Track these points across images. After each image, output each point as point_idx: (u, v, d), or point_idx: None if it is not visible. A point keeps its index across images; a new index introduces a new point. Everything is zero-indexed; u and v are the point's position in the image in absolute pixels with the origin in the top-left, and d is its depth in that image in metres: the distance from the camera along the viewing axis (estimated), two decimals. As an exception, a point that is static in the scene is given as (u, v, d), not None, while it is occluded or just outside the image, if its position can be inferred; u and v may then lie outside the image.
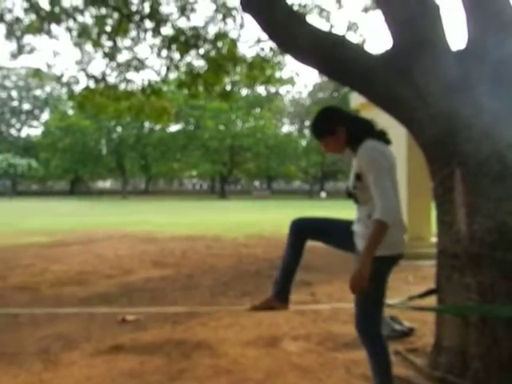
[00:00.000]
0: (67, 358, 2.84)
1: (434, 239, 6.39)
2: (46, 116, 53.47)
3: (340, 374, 2.61)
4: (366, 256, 1.96)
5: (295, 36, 2.78)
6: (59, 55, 7.20)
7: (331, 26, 6.40)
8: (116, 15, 6.27)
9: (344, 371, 2.64)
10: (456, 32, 3.92)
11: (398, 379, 2.50)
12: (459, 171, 2.41)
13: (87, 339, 3.17)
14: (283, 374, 2.61)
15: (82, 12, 6.22)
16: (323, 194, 45.32)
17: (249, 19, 6.91)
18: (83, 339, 3.17)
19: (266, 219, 14.55)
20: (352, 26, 6.53)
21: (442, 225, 2.57)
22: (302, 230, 2.35)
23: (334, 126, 2.14)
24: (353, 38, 6.52)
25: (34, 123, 55.13)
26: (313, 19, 6.30)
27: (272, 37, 3.06)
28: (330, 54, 2.71)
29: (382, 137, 2.17)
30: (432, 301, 2.72)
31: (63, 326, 3.43)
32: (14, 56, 6.66)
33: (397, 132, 6.33)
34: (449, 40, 2.61)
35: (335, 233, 2.34)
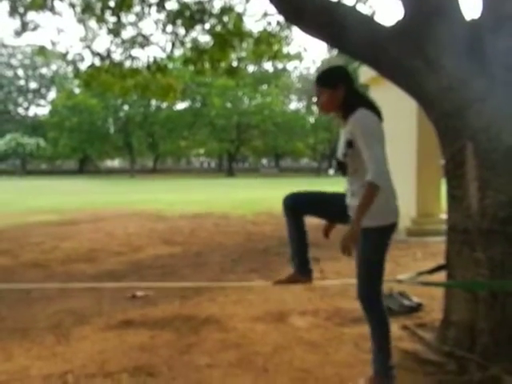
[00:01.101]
0: (79, 332, 2.90)
1: (443, 216, 6.35)
2: (52, 95, 53.39)
3: (348, 348, 2.63)
4: (357, 217, 2.00)
5: (304, 7, 2.70)
6: (63, 32, 7.11)
7: (340, -1, 6.23)
8: (120, -11, 6.15)
9: (352, 346, 2.66)
10: (471, 2, 3.79)
11: (406, 353, 2.52)
12: (471, 145, 2.36)
13: (98, 314, 3.22)
14: (291, 348, 2.64)
15: (85, -13, 6.10)
16: (331, 171, 45.11)
17: (255, -8, 6.73)
18: (94, 314, 3.22)
19: (273, 196, 14.53)
20: (361, -2, 6.34)
21: (452, 200, 2.53)
22: (295, 204, 2.37)
23: (337, 82, 2.17)
24: (362, 9, 6.34)
25: (42, 102, 55.11)
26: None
27: (279, 9, 2.97)
28: (340, 26, 2.62)
29: (376, 109, 2.18)
30: (441, 276, 2.72)
31: (74, 302, 3.49)
32: (18, 33, 6.58)
33: (407, 106, 6.25)
34: (463, 9, 2.52)
35: (329, 206, 2.37)
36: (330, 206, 2.37)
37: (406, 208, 6.75)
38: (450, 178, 2.55)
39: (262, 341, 2.74)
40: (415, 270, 4.16)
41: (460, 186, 2.43)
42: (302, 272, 2.44)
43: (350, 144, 2.11)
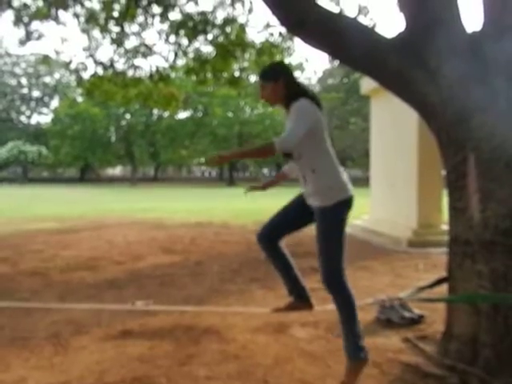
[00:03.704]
0: (77, 342, 2.87)
1: (444, 227, 6.33)
2: (55, 103, 53.61)
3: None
4: (238, 153, 2.34)
5: (306, 19, 2.71)
6: (67, 41, 7.18)
7: (341, 10, 6.27)
8: (123, 0, 6.21)
9: (353, 358, 2.63)
10: (472, 12, 3.82)
11: (407, 366, 2.49)
12: (473, 156, 2.35)
13: (97, 324, 3.20)
14: (292, 359, 2.61)
15: (89, -3, 6.17)
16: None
17: (258, 4, 6.80)
18: (93, 324, 3.20)
19: (274, 206, 14.47)
20: (363, 10, 6.39)
21: (454, 211, 2.52)
22: (268, 239, 2.52)
23: (279, 76, 2.36)
24: (363, 21, 6.39)
25: (44, 110, 55.34)
26: (322, 2, 6.18)
27: (282, 20, 2.99)
28: (342, 37, 2.64)
29: (316, 99, 2.33)
30: (443, 288, 2.70)
31: (73, 312, 3.46)
32: (23, 43, 6.64)
33: (408, 116, 6.26)
34: (464, 21, 2.54)
35: (295, 217, 2.50)
36: (296, 217, 2.49)
37: (407, 218, 6.74)
38: (451, 190, 2.54)
39: (262, 352, 2.71)
40: (417, 281, 4.15)
41: (462, 198, 2.42)
42: (301, 299, 2.55)
43: None
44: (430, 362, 2.51)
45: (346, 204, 2.29)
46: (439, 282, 2.76)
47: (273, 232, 2.53)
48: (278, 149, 2.11)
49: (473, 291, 2.36)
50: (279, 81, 2.36)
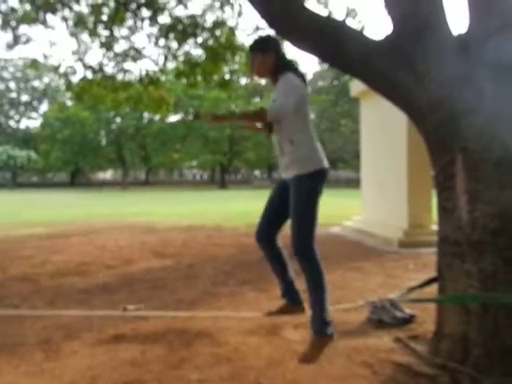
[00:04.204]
0: (68, 347, 2.85)
1: (434, 227, 6.39)
2: (44, 107, 53.35)
3: (341, 361, 2.62)
4: (227, 117, 2.33)
5: (295, 22, 2.73)
6: (56, 45, 7.14)
7: (330, 13, 6.32)
8: (112, 3, 6.19)
9: (345, 358, 2.64)
10: (457, 16, 3.87)
11: (398, 366, 2.51)
12: (461, 157, 2.38)
13: (88, 329, 3.18)
14: (284, 361, 2.62)
15: (77, 1, 6.14)
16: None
17: (247, 7, 6.83)
18: (84, 329, 3.17)
19: (266, 209, 14.50)
20: (351, 12, 6.44)
21: (443, 212, 2.55)
22: (267, 237, 2.55)
23: (268, 48, 2.46)
24: (352, 24, 6.44)
25: (33, 115, 55.05)
26: (311, 5, 6.22)
27: (271, 23, 3.01)
28: (330, 40, 2.66)
29: (302, 76, 2.44)
30: (433, 288, 2.72)
31: (64, 317, 3.43)
32: (10, 47, 6.58)
33: (397, 118, 6.33)
34: (450, 24, 2.57)
35: (281, 203, 2.52)
36: (281, 203, 2.52)
37: (398, 219, 6.79)
38: (440, 190, 2.57)
39: (254, 354, 2.71)
40: (408, 281, 4.18)
41: (450, 198, 2.45)
42: (293, 302, 2.59)
43: (275, 102, 2.37)
44: (421, 362, 2.53)
45: (322, 175, 2.38)
46: (429, 282, 2.79)
47: (270, 227, 2.56)
48: (269, 117, 2.24)
49: (462, 291, 2.39)
50: (268, 53, 2.45)
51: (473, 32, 2.56)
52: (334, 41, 2.66)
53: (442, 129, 2.48)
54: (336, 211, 11.35)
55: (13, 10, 6.16)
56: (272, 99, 2.43)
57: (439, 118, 2.47)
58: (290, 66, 2.45)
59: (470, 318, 2.35)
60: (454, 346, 2.42)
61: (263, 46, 2.49)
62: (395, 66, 2.56)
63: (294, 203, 2.35)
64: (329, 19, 2.80)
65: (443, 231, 2.55)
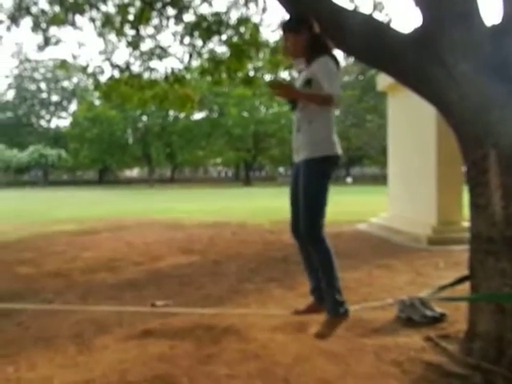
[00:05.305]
0: (100, 342, 2.92)
1: (465, 224, 6.23)
2: (73, 107, 54.68)
3: (369, 359, 2.59)
4: (302, 94, 2.35)
5: (321, 16, 2.70)
6: (84, 46, 7.28)
7: (356, 6, 6.22)
8: (138, 3, 6.28)
9: (373, 357, 2.61)
10: (491, 5, 3.74)
11: (429, 365, 2.46)
12: (494, 152, 2.31)
13: (119, 324, 3.25)
14: (312, 358, 2.61)
15: (104, 1, 6.25)
16: (349, 179, 44.78)
17: (271, 2, 6.79)
18: (115, 324, 3.24)
19: (291, 205, 14.44)
20: (378, 6, 6.32)
21: (475, 208, 2.48)
22: (299, 228, 2.53)
23: (301, 27, 2.41)
24: (379, 17, 6.31)
25: (63, 114, 56.52)
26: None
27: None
28: (357, 34, 2.62)
29: (336, 59, 2.46)
30: (464, 287, 2.65)
31: (96, 312, 3.52)
32: (41, 48, 6.77)
33: (426, 112, 6.17)
34: (482, 14, 2.49)
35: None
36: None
37: (427, 216, 6.65)
38: (472, 186, 2.50)
39: (282, 351, 2.71)
40: (437, 279, 4.09)
41: (483, 194, 2.38)
42: (321, 302, 2.61)
43: (308, 82, 2.39)
44: (452, 361, 2.47)
45: (333, 161, 2.40)
46: (461, 280, 2.72)
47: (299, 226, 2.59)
48: (335, 102, 2.31)
49: (496, 290, 2.32)
50: (301, 32, 2.40)
51: (505, 23, 2.48)
52: (359, 35, 2.61)
53: (472, 123, 2.41)
54: (362, 208, 11.22)
55: (43, 12, 6.33)
56: (301, 79, 2.42)
57: (470, 112, 2.40)
58: (325, 49, 2.42)
59: (505, 317, 2.28)
60: (488, 346, 2.36)
61: (295, 25, 2.43)
62: (424, 59, 2.50)
63: (303, 186, 2.38)
64: (354, 13, 2.76)
65: (476, 228, 2.48)
